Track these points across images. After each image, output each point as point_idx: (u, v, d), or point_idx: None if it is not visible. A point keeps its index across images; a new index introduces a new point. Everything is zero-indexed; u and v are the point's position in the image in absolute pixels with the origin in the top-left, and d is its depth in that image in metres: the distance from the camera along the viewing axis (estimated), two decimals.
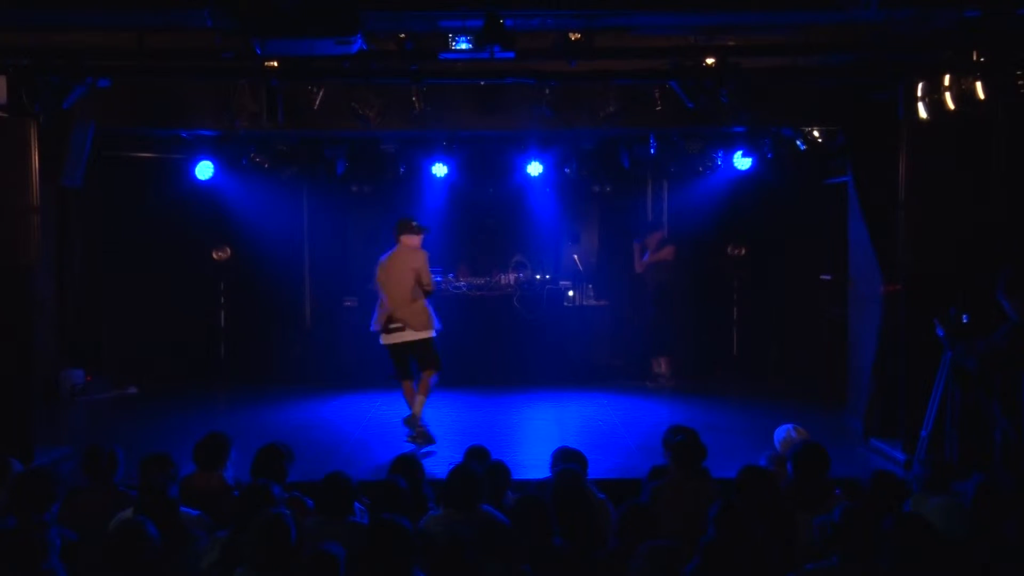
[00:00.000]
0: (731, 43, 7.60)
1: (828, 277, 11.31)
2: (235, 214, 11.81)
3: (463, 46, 6.76)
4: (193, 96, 9.20)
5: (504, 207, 12.69)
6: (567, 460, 5.69)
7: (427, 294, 8.37)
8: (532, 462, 7.28)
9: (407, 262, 8.34)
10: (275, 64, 7.32)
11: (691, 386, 11.45)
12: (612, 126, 9.30)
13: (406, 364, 8.40)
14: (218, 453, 5.66)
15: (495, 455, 5.90)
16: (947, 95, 7.32)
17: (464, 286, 12.05)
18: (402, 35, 7.09)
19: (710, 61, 7.55)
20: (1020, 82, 7.04)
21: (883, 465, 7.69)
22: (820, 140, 9.95)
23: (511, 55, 6.49)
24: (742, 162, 11.13)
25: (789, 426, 6.21)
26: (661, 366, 11.55)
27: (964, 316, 6.21)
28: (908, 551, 3.89)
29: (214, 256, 12.04)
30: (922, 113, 7.57)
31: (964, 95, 7.21)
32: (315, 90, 8.91)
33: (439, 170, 11.39)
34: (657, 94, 8.91)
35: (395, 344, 8.32)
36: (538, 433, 9.17)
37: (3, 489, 5.10)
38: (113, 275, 11.54)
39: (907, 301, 7.67)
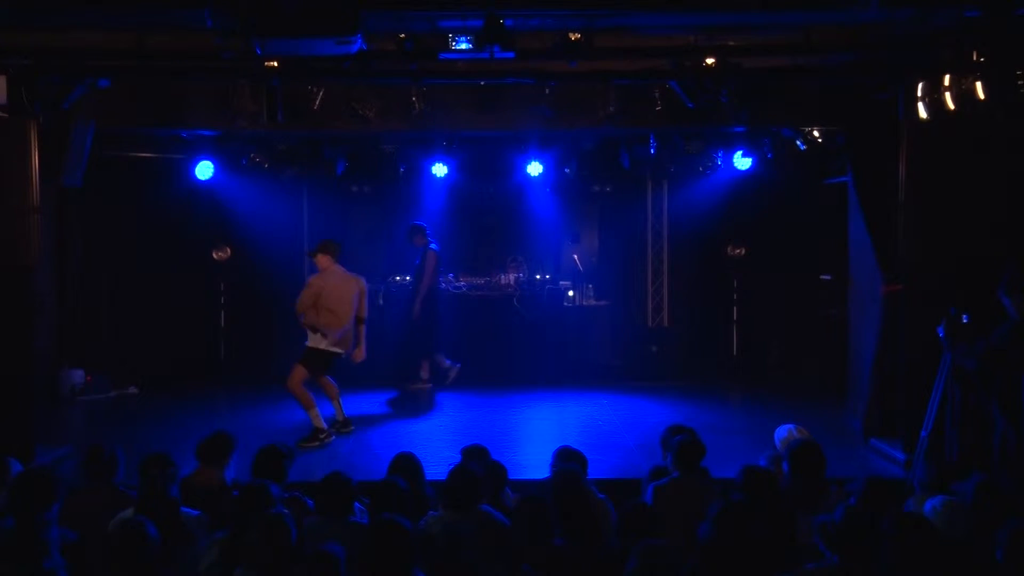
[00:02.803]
0: (731, 43, 7.60)
1: (828, 277, 11.32)
2: (235, 214, 11.81)
3: (463, 46, 6.75)
4: (193, 96, 9.20)
5: (504, 207, 12.69)
6: (567, 460, 5.69)
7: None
8: (532, 462, 7.28)
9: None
10: (275, 64, 7.32)
11: (691, 386, 11.45)
12: (612, 126, 9.30)
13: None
14: (222, 451, 5.69)
15: (495, 455, 5.89)
16: (947, 95, 7.31)
17: (464, 286, 12.06)
18: (402, 35, 7.07)
19: (710, 61, 7.55)
20: (1020, 82, 7.03)
21: (883, 465, 7.70)
22: (820, 140, 9.96)
23: (511, 55, 6.49)
24: (742, 162, 11.13)
25: (790, 426, 6.20)
26: (425, 368, 11.43)
27: (964, 316, 6.20)
28: (908, 551, 3.89)
29: (214, 256, 12.04)
30: (922, 113, 7.57)
31: (964, 95, 7.21)
32: (315, 90, 8.90)
33: (439, 170, 11.38)
34: (657, 94, 8.91)
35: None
36: (538, 433, 9.18)
37: (3, 489, 5.10)
38: (113, 275, 11.54)
39: (907, 301, 7.67)
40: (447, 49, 6.85)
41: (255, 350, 11.95)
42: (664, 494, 5.33)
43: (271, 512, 4.31)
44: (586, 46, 6.93)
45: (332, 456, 8.06)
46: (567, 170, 11.73)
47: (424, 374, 11.27)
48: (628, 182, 12.45)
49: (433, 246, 11.14)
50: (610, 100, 9.00)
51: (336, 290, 8.60)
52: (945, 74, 7.33)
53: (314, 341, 8.61)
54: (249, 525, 4.26)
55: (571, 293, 12.11)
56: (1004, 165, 7.33)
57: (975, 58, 7.13)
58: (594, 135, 10.90)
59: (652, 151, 10.84)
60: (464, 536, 4.27)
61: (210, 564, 4.43)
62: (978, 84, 7.11)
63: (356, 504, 5.05)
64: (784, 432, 6.15)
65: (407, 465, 5.61)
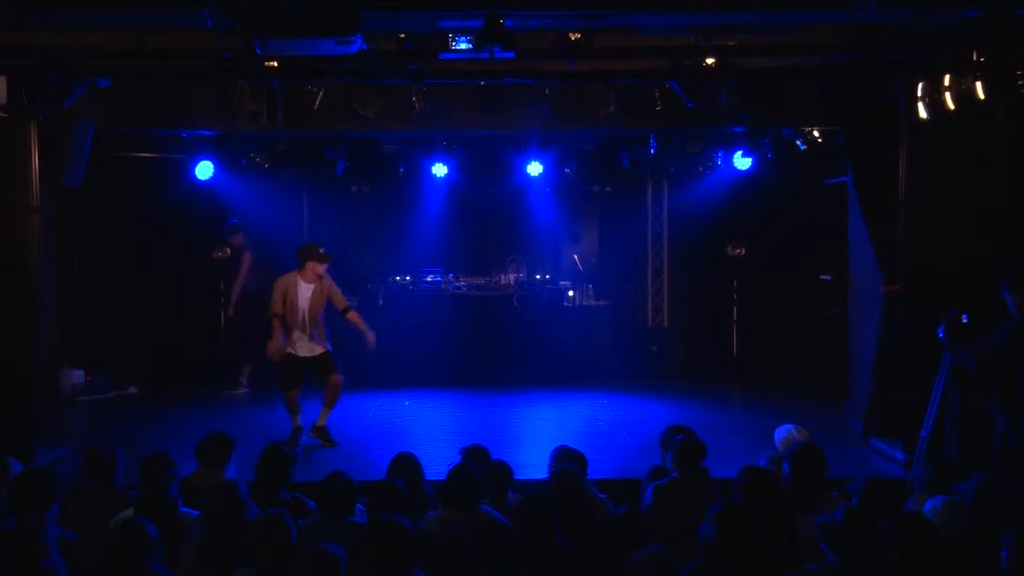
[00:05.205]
0: (731, 43, 7.60)
1: (828, 277, 11.33)
2: (235, 214, 11.80)
3: (463, 46, 6.75)
4: (193, 96, 9.20)
5: (504, 207, 12.69)
6: (566, 460, 5.69)
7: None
8: (532, 462, 7.27)
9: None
10: (275, 64, 7.31)
11: (691, 386, 11.45)
12: (612, 126, 9.29)
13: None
14: (221, 452, 5.68)
15: (495, 455, 5.89)
16: (947, 95, 7.31)
17: (464, 286, 12.06)
18: (402, 35, 7.08)
19: (710, 61, 7.55)
20: (1020, 82, 7.03)
21: (883, 465, 7.71)
22: (820, 140, 9.97)
23: (511, 55, 6.48)
24: (742, 162, 11.13)
25: (790, 426, 6.20)
26: (245, 374, 11.48)
27: (964, 316, 6.20)
28: (908, 551, 3.89)
29: (214, 256, 12.03)
30: (922, 113, 7.56)
31: (964, 95, 7.21)
32: (315, 90, 8.90)
33: (439, 170, 11.38)
34: (657, 94, 8.91)
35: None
36: (538, 433, 9.18)
37: (3, 489, 5.10)
38: (113, 275, 11.53)
39: (907, 301, 7.67)
40: (447, 49, 6.84)
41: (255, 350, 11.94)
42: (664, 494, 5.33)
43: (271, 512, 4.31)
44: (586, 46, 6.92)
45: (332, 456, 8.06)
46: (567, 170, 11.73)
47: (243, 379, 11.38)
48: (628, 182, 12.46)
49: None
50: (610, 100, 8.99)
51: None
52: (945, 74, 7.32)
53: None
54: (251, 525, 4.25)
55: (571, 293, 12.11)
56: (1004, 165, 7.33)
57: (975, 58, 7.12)
58: (594, 135, 10.90)
59: (652, 151, 10.84)
60: (464, 536, 4.27)
61: (189, 569, 4.40)
62: (978, 84, 7.10)
63: (356, 504, 5.04)
64: (784, 432, 6.15)
65: (407, 465, 5.61)
